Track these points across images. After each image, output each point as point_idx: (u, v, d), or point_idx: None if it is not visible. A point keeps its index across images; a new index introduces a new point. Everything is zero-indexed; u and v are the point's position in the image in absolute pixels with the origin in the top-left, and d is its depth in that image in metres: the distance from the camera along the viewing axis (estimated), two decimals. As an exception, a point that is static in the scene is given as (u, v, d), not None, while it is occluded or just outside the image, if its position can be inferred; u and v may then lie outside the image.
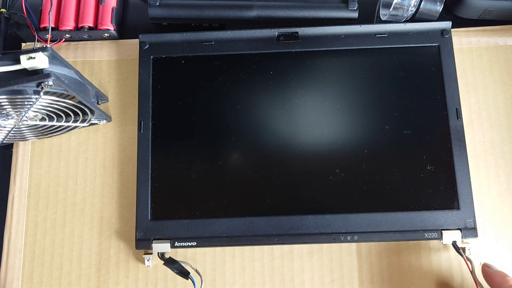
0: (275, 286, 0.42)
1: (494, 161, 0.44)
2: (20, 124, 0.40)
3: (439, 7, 0.45)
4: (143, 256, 0.42)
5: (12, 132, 0.41)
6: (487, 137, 0.45)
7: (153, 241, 0.42)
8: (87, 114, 0.42)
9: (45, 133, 0.44)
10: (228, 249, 0.43)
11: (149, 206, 0.42)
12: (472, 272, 0.39)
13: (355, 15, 0.46)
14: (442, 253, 0.42)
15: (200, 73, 0.45)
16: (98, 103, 0.46)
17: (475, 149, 0.44)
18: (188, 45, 0.46)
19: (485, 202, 0.43)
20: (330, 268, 0.43)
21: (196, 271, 0.42)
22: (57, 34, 0.47)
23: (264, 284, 0.43)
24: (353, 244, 0.43)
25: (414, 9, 0.45)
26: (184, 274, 0.41)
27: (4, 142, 0.44)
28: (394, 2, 0.44)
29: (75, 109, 0.40)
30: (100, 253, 0.44)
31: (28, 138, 0.45)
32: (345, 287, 0.42)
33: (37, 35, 0.47)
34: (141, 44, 0.46)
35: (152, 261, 0.43)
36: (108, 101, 0.47)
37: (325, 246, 0.43)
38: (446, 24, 0.45)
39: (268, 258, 0.43)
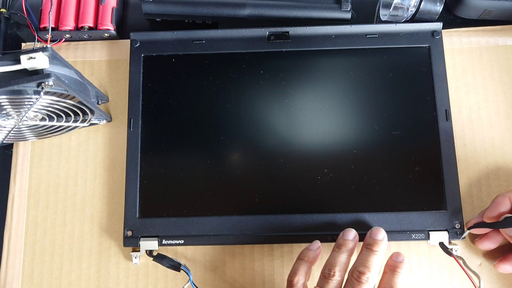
0: (275, 286, 0.42)
1: (494, 161, 0.44)
2: (20, 124, 0.40)
3: (439, 7, 0.45)
4: (130, 253, 0.42)
5: (12, 132, 0.41)
6: (487, 137, 0.45)
7: (141, 238, 0.42)
8: (87, 114, 0.42)
9: (45, 133, 0.44)
10: (228, 249, 0.43)
11: (137, 203, 0.42)
12: (464, 269, 0.39)
13: (348, 16, 0.46)
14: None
15: (191, 71, 0.45)
16: (98, 103, 0.46)
17: (475, 149, 0.44)
18: (179, 43, 0.46)
19: (485, 202, 0.43)
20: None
21: (185, 266, 0.42)
22: (57, 34, 0.47)
23: (264, 284, 0.43)
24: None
25: (414, 9, 0.45)
26: (175, 267, 0.41)
27: (4, 142, 0.44)
28: (394, 2, 0.44)
29: (75, 109, 0.40)
30: (100, 253, 0.44)
31: (28, 138, 0.45)
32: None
33: (37, 35, 0.47)
34: (132, 42, 0.46)
35: (141, 259, 0.43)
36: (108, 101, 0.47)
37: (325, 246, 0.43)
38: (437, 25, 0.45)
39: (268, 258, 0.43)
